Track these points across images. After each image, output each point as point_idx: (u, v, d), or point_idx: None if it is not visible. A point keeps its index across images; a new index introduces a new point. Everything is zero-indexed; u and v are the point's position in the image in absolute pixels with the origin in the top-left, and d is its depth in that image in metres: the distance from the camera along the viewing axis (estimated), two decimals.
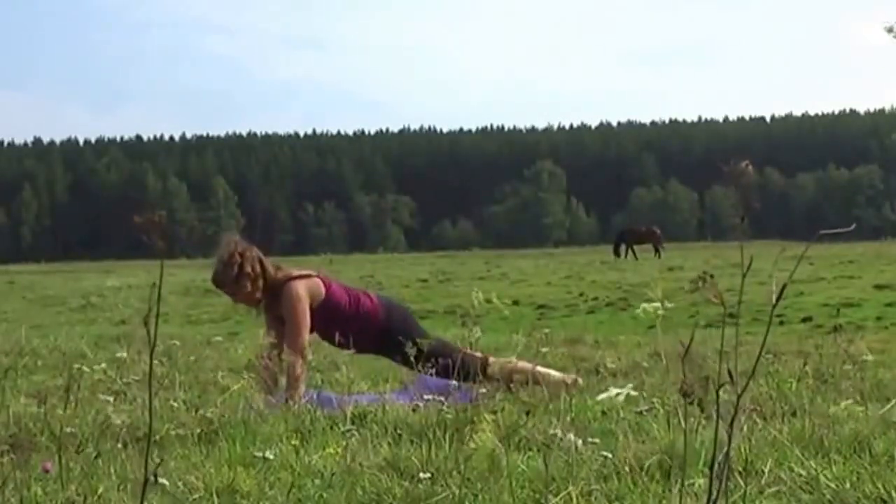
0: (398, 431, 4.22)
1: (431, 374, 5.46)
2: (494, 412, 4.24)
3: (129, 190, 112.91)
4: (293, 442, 4.00)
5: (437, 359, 5.56)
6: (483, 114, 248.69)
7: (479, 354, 5.84)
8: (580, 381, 5.71)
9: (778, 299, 1.86)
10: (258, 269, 5.73)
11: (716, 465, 1.96)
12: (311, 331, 5.82)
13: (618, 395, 2.33)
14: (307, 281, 5.78)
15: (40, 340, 9.85)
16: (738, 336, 1.90)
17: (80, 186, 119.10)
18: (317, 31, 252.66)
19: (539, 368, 5.69)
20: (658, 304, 2.22)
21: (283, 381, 5.51)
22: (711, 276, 1.90)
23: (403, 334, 5.69)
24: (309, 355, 5.63)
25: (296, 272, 5.84)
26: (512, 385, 5.53)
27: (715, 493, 1.91)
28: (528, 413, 4.08)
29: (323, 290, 5.80)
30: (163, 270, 1.77)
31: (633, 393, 2.45)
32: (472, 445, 3.70)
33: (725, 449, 1.90)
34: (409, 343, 5.38)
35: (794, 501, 3.14)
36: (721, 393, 2.03)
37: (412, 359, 5.45)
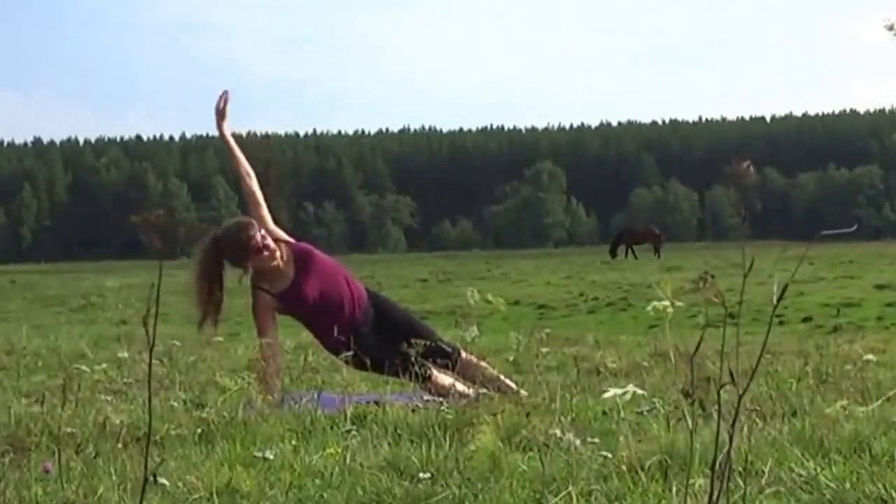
0: (398, 431, 4.22)
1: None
2: (495, 413, 4.23)
3: (129, 190, 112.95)
4: (293, 442, 4.00)
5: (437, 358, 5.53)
6: (483, 114, 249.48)
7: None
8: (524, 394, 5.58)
9: (779, 300, 1.86)
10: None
11: (716, 466, 1.96)
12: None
13: (624, 393, 2.32)
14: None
15: (40, 340, 9.85)
16: (738, 336, 1.90)
17: (80, 186, 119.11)
18: (316, 31, 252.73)
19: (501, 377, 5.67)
20: (667, 303, 2.21)
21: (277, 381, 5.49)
22: (713, 276, 1.90)
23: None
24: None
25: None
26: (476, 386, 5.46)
27: (716, 493, 1.91)
28: (528, 415, 4.08)
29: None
30: (161, 270, 1.77)
31: (641, 392, 2.44)
32: (473, 447, 3.70)
33: (726, 449, 1.90)
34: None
35: (794, 501, 3.14)
36: (722, 393, 2.03)
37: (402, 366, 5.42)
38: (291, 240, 5.86)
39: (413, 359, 5.23)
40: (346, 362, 5.45)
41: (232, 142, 6.02)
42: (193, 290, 5.62)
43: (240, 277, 5.70)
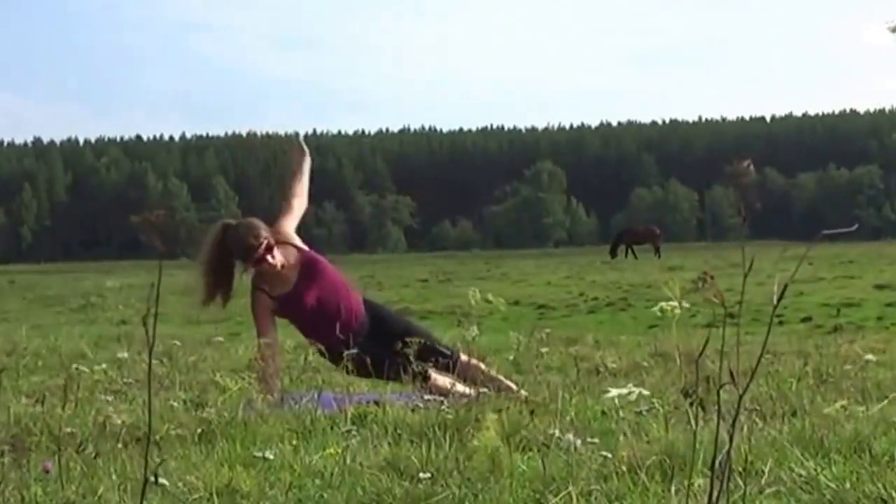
0: (398, 431, 4.22)
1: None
2: (500, 410, 4.23)
3: (129, 190, 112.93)
4: (293, 442, 4.00)
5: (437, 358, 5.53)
6: (483, 114, 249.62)
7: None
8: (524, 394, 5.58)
9: (779, 300, 1.86)
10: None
11: (716, 466, 1.96)
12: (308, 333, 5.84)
13: (629, 393, 2.32)
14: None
15: (40, 340, 9.86)
16: (738, 336, 1.90)
17: (80, 186, 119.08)
18: (317, 31, 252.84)
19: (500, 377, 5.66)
20: (675, 304, 2.22)
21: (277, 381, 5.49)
22: (712, 277, 1.90)
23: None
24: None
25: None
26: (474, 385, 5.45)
27: (716, 493, 1.91)
28: (532, 412, 4.07)
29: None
30: (161, 270, 1.77)
31: (646, 392, 2.44)
32: (476, 442, 3.69)
33: (726, 449, 1.90)
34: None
35: (794, 501, 3.14)
36: (722, 393, 2.03)
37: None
38: (304, 246, 5.84)
39: (410, 358, 5.23)
40: (346, 371, 5.44)
41: (306, 176, 6.16)
42: (199, 269, 5.65)
43: (240, 274, 5.70)
